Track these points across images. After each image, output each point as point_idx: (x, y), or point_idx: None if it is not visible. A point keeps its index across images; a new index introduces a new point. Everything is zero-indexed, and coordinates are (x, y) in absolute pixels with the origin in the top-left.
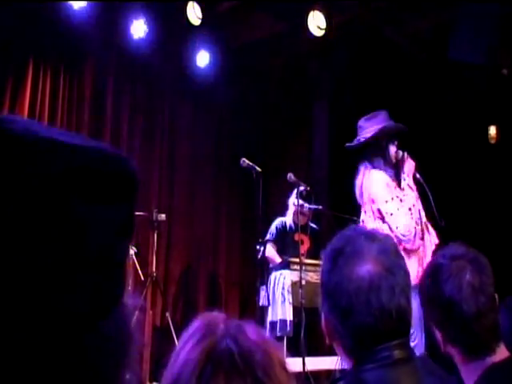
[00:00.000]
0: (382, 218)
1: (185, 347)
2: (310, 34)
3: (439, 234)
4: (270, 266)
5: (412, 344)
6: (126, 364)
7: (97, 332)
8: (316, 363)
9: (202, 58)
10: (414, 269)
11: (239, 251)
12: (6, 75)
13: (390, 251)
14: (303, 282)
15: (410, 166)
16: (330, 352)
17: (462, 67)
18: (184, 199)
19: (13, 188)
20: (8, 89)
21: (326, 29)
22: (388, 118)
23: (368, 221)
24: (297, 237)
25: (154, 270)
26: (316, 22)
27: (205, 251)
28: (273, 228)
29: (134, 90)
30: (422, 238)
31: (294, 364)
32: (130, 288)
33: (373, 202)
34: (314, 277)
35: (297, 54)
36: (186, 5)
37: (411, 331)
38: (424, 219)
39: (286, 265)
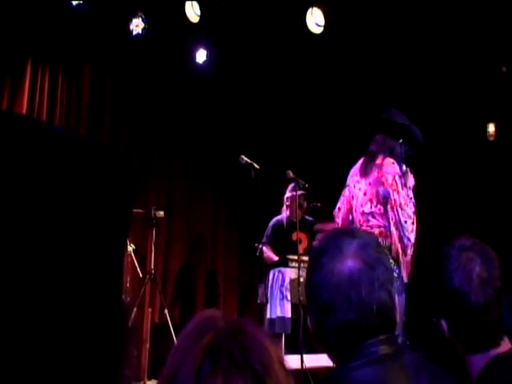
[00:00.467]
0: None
1: (183, 344)
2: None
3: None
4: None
5: None
6: (124, 360)
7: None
8: (314, 360)
9: (201, 56)
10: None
11: (238, 249)
12: (4, 75)
13: (371, 246)
14: (301, 279)
15: (412, 181)
16: None
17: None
18: (182, 196)
19: (13, 181)
20: (6, 89)
21: (324, 26)
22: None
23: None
24: (294, 236)
25: (152, 267)
26: (314, 19)
27: (203, 248)
28: (268, 229)
29: (133, 88)
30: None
31: (293, 361)
32: (128, 285)
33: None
34: None
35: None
36: (185, 2)
37: (396, 333)
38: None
39: (284, 262)
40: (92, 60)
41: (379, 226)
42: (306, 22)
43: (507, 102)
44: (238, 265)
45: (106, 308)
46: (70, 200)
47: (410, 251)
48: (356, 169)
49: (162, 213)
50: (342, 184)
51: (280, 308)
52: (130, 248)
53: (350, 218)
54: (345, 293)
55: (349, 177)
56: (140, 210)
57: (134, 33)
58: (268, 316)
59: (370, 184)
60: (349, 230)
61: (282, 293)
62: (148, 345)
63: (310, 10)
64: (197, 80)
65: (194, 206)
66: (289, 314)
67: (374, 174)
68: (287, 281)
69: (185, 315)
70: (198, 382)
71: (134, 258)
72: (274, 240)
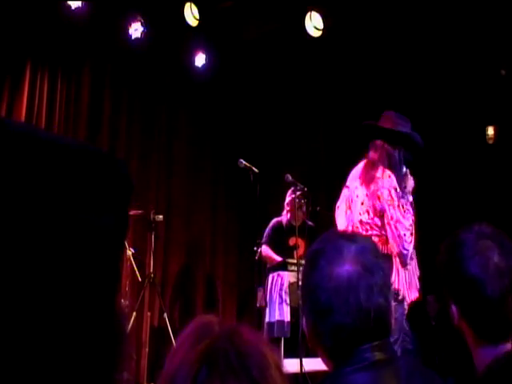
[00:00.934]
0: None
1: (180, 349)
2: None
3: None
4: (268, 266)
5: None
6: (120, 365)
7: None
8: (313, 364)
9: (200, 59)
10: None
11: (237, 252)
12: (3, 77)
13: (370, 251)
14: (300, 283)
15: (411, 183)
16: None
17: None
18: (181, 200)
19: (8, 187)
20: (5, 91)
21: (323, 29)
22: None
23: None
24: (292, 241)
25: (151, 271)
26: (313, 23)
27: (202, 252)
28: (269, 229)
29: (132, 91)
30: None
31: (292, 365)
32: (127, 289)
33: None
34: None
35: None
36: (184, 6)
37: (394, 337)
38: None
39: (283, 266)
40: (91, 63)
41: (378, 235)
42: (304, 26)
43: (506, 105)
44: (237, 268)
45: (100, 314)
46: (64, 209)
47: (409, 261)
48: (357, 172)
49: (161, 217)
50: (340, 188)
51: (279, 312)
52: (129, 252)
53: (350, 218)
54: (343, 296)
55: (349, 178)
56: (139, 213)
57: (134, 36)
58: (267, 320)
59: (367, 195)
60: (348, 234)
61: (281, 296)
62: (147, 348)
63: (308, 13)
64: (196, 83)
65: (193, 209)
66: (288, 318)
67: (372, 186)
68: (286, 284)
69: (184, 319)
70: None
71: (133, 262)
72: (272, 241)
